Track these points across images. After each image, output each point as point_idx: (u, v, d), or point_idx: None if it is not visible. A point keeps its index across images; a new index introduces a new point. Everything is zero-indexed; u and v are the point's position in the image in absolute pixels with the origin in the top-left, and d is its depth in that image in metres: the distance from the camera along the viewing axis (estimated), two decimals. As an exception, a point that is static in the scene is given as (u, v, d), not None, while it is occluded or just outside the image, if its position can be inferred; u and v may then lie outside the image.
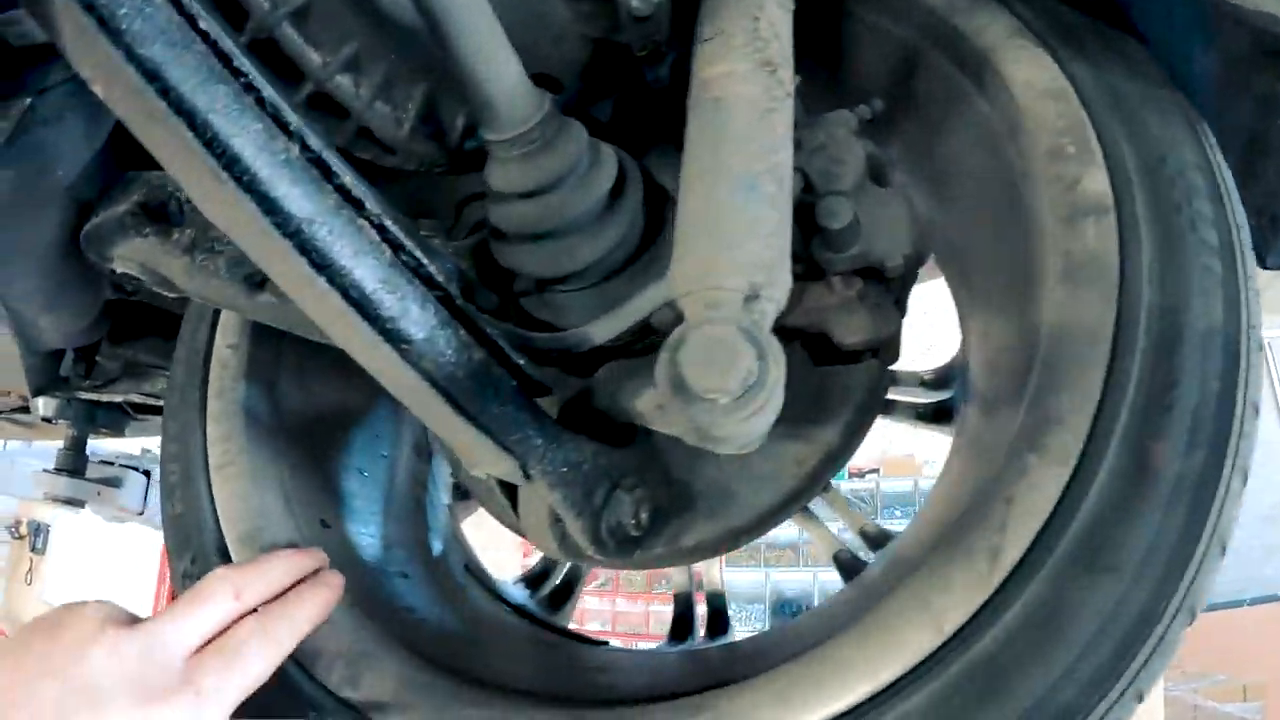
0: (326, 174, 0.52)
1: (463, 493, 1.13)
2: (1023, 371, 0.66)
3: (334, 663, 0.74)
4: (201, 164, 0.46)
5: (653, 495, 0.72)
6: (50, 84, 0.73)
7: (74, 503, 1.66)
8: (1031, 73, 0.70)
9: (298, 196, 0.50)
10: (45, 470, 1.57)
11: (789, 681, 0.60)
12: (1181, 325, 0.59)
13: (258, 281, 0.72)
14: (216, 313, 0.94)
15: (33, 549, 6.79)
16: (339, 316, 0.54)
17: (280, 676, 0.67)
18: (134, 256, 0.79)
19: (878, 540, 1.00)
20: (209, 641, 0.63)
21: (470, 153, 0.76)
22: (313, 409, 0.96)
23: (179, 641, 0.62)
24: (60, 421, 1.55)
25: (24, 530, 6.85)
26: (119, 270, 0.83)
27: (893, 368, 0.82)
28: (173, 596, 0.73)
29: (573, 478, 0.66)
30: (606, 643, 1.01)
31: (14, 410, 1.60)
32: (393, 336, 0.56)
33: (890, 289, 0.76)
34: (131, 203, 0.80)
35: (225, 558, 0.83)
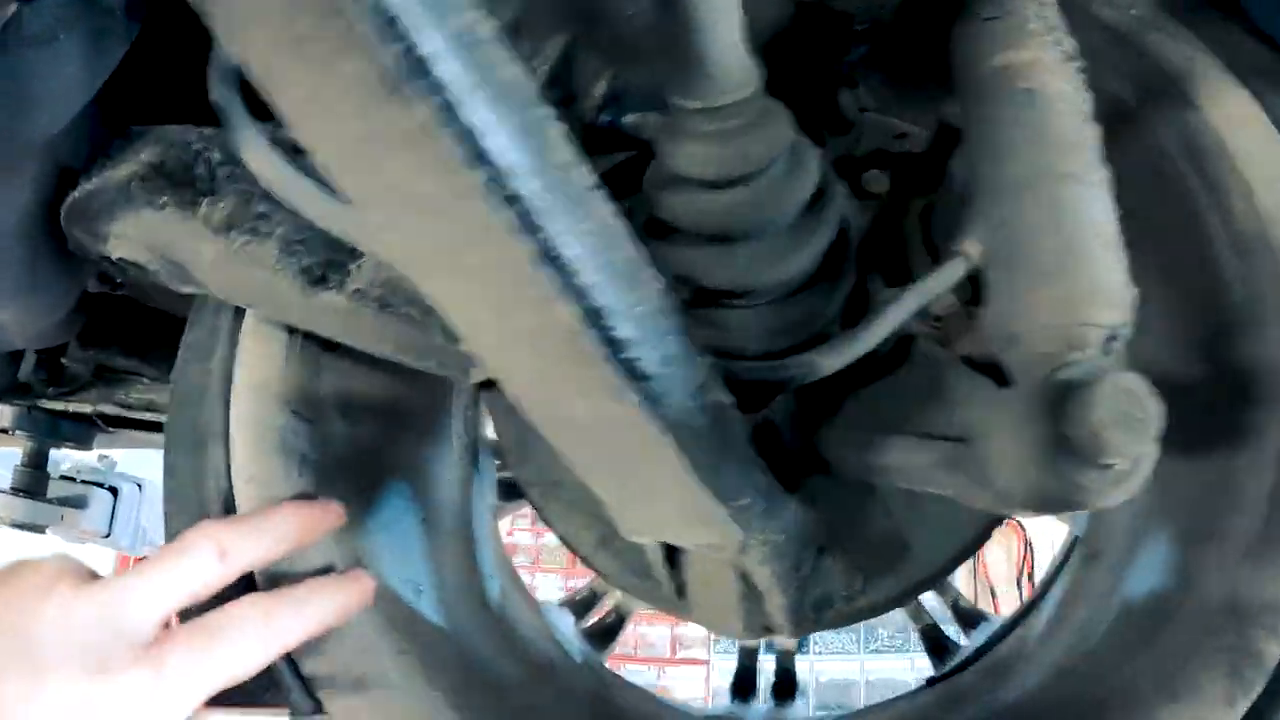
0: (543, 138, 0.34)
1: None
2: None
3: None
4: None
5: (861, 559, 0.63)
6: (47, -11, 0.53)
7: (34, 528, 1.46)
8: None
9: (525, 163, 0.32)
10: (0, 491, 1.36)
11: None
12: None
13: (319, 275, 0.53)
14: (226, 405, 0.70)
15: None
16: (561, 345, 0.36)
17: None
18: (140, 235, 0.59)
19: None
20: (196, 610, 0.57)
21: (602, 129, 0.61)
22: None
23: (145, 606, 0.55)
24: (17, 433, 1.36)
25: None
26: (115, 255, 0.63)
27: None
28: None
29: (786, 548, 0.55)
30: None
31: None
32: (634, 372, 0.39)
33: None
34: (141, 164, 0.60)
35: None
